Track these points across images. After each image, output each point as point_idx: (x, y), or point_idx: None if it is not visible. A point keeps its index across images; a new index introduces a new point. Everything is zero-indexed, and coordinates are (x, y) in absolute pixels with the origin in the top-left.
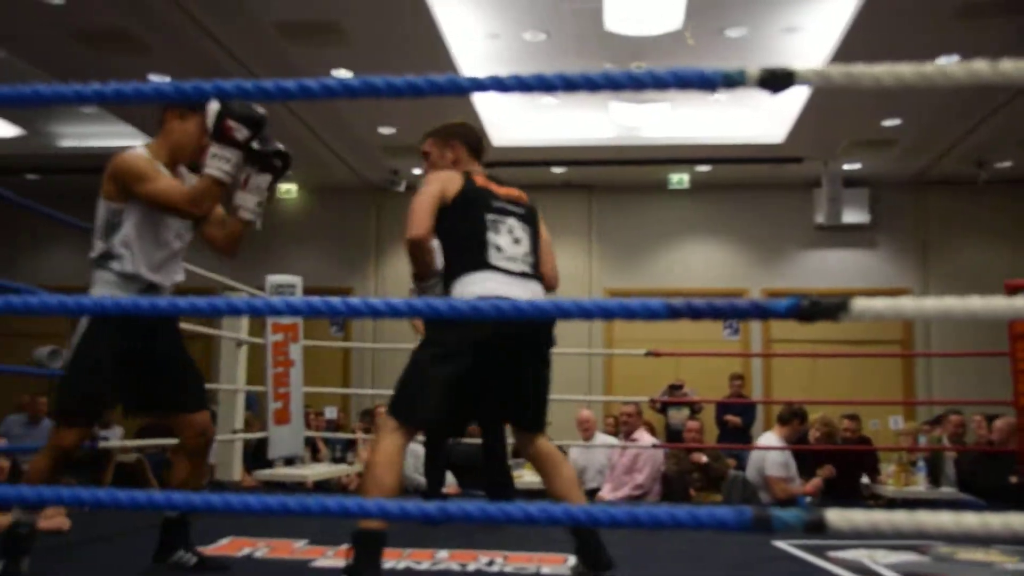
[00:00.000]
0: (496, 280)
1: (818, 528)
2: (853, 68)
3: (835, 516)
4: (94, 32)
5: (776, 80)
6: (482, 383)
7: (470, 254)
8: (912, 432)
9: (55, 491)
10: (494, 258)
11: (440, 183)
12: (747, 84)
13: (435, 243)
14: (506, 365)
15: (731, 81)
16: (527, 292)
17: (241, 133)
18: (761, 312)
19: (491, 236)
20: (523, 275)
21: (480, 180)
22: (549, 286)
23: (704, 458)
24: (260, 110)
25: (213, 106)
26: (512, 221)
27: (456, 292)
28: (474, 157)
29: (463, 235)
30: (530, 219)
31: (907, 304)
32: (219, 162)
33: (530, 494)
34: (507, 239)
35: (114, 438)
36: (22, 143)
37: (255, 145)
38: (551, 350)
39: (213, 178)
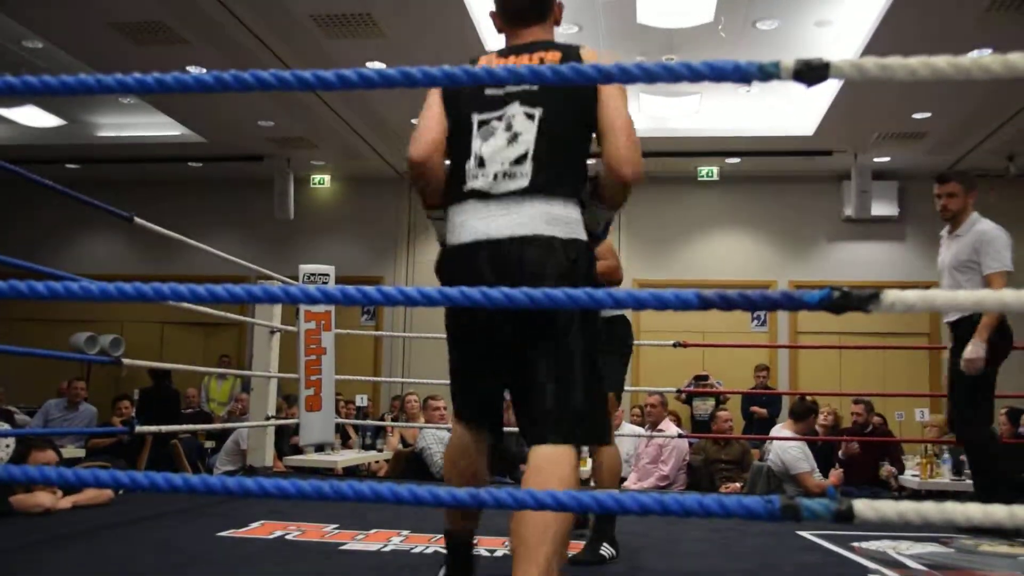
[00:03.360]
0: (466, 215)
1: (847, 518)
2: (888, 60)
3: (863, 506)
4: (133, 24)
5: (812, 72)
6: (483, 371)
7: (452, 176)
8: (939, 424)
9: (94, 474)
10: (470, 179)
11: (433, 94)
12: (782, 77)
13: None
14: (495, 348)
15: (767, 74)
16: (508, 224)
17: None
18: (793, 303)
19: (475, 145)
20: (508, 195)
21: (484, 61)
22: (611, 179)
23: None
24: None
25: None
26: (515, 107)
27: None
28: (510, 24)
29: (451, 147)
30: (548, 98)
31: (939, 295)
32: None
33: None
34: (500, 140)
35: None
36: (62, 132)
37: None
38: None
39: None
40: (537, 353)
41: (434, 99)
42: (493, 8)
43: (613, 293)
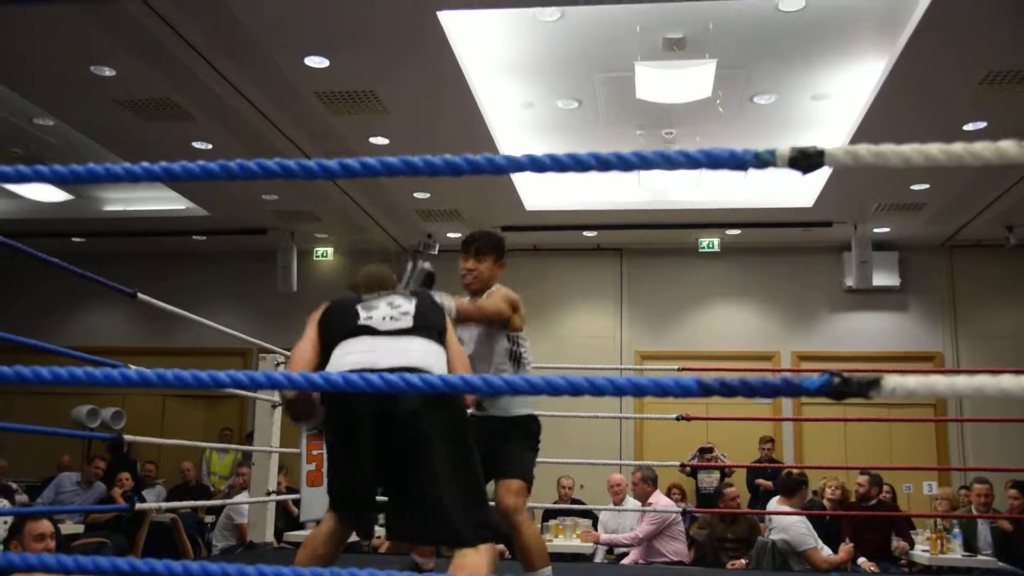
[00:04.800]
0: (360, 343)
1: None
2: (882, 148)
3: None
4: (141, 101)
5: (807, 160)
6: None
7: (339, 330)
8: (949, 497)
9: (94, 561)
10: (363, 319)
11: (312, 322)
12: (778, 164)
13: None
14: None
15: (763, 161)
16: (398, 351)
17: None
18: (793, 390)
19: (363, 316)
20: (397, 332)
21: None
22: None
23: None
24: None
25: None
26: (392, 296)
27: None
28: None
29: (335, 331)
30: (416, 300)
31: (939, 381)
32: None
33: (561, 556)
34: (382, 310)
35: (151, 499)
36: (68, 207)
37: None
38: (447, 426)
39: None
40: (427, 449)
41: (311, 329)
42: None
43: (615, 381)
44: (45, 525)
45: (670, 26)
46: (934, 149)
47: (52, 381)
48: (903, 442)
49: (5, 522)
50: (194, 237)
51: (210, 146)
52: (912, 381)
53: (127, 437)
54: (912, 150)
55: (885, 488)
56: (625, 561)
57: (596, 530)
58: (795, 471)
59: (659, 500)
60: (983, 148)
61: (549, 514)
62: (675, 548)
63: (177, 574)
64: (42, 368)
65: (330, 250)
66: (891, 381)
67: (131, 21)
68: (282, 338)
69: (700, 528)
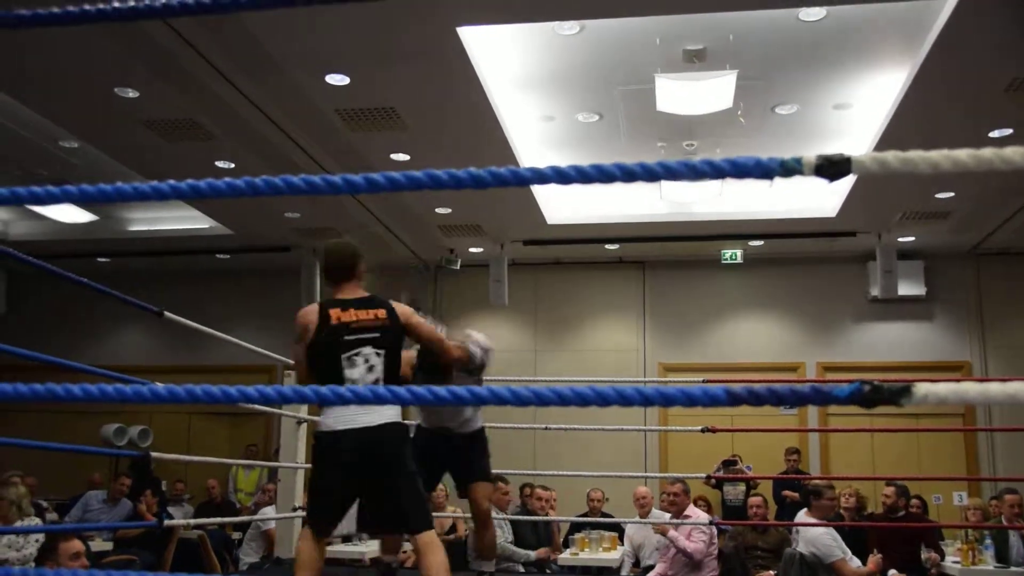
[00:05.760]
0: (340, 412)
1: None
2: (910, 154)
3: None
4: (164, 121)
5: (833, 167)
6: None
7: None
8: (980, 508)
9: None
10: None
11: (300, 330)
12: (804, 173)
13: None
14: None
15: (788, 170)
16: (376, 416)
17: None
18: (822, 398)
19: (347, 372)
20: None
21: (335, 315)
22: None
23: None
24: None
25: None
26: (367, 350)
27: (322, 421)
28: (334, 283)
29: (325, 371)
30: (386, 341)
31: (971, 388)
32: None
33: (572, 570)
34: (362, 369)
35: (180, 515)
36: (94, 228)
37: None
38: (403, 459)
39: None
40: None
41: (299, 348)
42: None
43: (642, 391)
44: (77, 544)
45: (690, 38)
46: (963, 155)
47: (83, 398)
48: (932, 453)
49: (37, 540)
50: (218, 256)
51: (232, 165)
52: (943, 388)
53: (154, 454)
54: (941, 156)
55: (914, 499)
56: (651, 574)
57: (622, 544)
58: (810, 483)
59: (696, 514)
60: (1013, 153)
61: (575, 527)
62: (712, 565)
63: None
64: (73, 385)
65: None
66: (922, 388)
67: (154, 43)
68: None
69: (728, 540)
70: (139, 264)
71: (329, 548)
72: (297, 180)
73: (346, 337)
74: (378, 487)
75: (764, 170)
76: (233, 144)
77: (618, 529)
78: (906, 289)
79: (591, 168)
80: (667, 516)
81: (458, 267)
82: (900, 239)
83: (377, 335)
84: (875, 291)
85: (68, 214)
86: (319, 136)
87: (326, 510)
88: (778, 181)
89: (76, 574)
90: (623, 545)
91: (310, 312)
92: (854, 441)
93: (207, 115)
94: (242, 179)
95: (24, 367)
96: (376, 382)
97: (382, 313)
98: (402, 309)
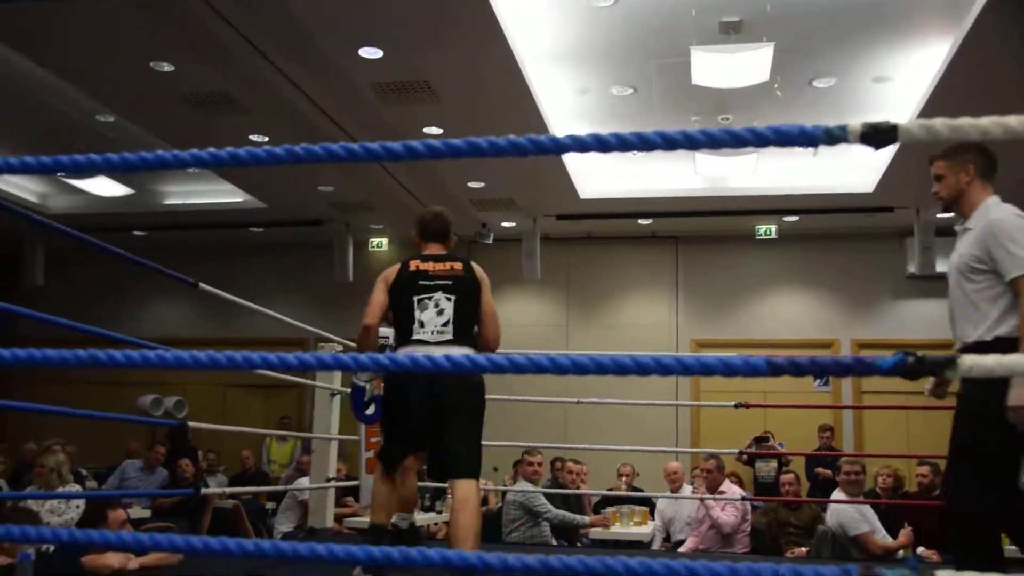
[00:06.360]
0: (412, 349)
1: None
2: (959, 121)
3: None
4: (199, 96)
5: (879, 135)
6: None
7: (402, 331)
8: None
9: (153, 538)
10: (416, 333)
11: (383, 278)
12: (850, 140)
13: (388, 330)
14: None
15: (834, 137)
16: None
17: None
18: (865, 368)
19: (417, 313)
20: (440, 343)
21: (414, 264)
22: (486, 347)
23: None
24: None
25: None
26: (439, 295)
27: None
28: (425, 240)
29: (399, 315)
30: (459, 288)
31: (1019, 360)
32: None
33: (603, 544)
34: (431, 312)
35: (215, 485)
36: (130, 201)
37: None
38: (467, 405)
39: None
40: (451, 426)
41: (380, 288)
42: (415, 230)
43: (682, 359)
44: (120, 514)
45: (727, 9)
46: (1013, 121)
47: (126, 364)
48: None
49: (78, 506)
50: (251, 229)
51: (267, 139)
52: (990, 360)
53: (191, 424)
54: (990, 122)
55: None
56: (682, 548)
57: (653, 518)
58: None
59: (731, 489)
60: None
61: (607, 501)
62: (744, 541)
63: (232, 551)
64: (116, 351)
65: (385, 240)
66: (968, 360)
67: (189, 17)
68: (339, 327)
69: (761, 516)
70: (174, 237)
71: (360, 519)
72: (337, 148)
73: (421, 282)
74: (440, 426)
75: (809, 138)
76: (267, 118)
77: (648, 503)
78: (944, 266)
79: (632, 136)
80: (700, 492)
81: (490, 241)
82: (939, 215)
83: (449, 282)
84: (912, 267)
85: (105, 188)
86: (353, 110)
87: (399, 442)
88: (815, 155)
89: (122, 536)
90: (654, 520)
91: (394, 267)
92: (889, 419)
93: (242, 89)
94: (281, 147)
95: (62, 339)
96: (446, 324)
97: (458, 266)
98: (480, 270)
